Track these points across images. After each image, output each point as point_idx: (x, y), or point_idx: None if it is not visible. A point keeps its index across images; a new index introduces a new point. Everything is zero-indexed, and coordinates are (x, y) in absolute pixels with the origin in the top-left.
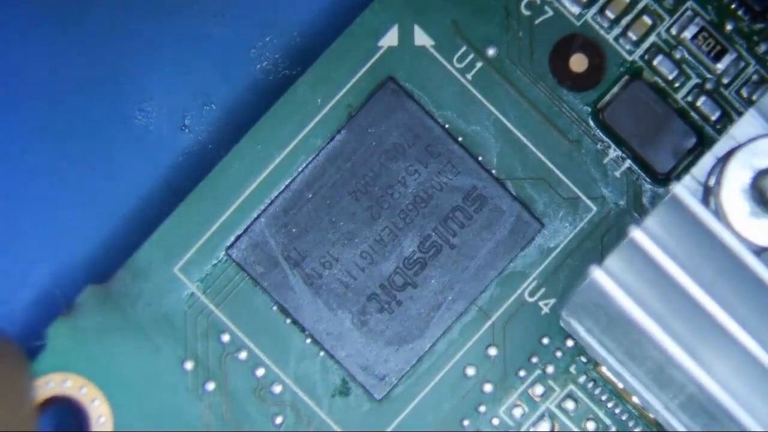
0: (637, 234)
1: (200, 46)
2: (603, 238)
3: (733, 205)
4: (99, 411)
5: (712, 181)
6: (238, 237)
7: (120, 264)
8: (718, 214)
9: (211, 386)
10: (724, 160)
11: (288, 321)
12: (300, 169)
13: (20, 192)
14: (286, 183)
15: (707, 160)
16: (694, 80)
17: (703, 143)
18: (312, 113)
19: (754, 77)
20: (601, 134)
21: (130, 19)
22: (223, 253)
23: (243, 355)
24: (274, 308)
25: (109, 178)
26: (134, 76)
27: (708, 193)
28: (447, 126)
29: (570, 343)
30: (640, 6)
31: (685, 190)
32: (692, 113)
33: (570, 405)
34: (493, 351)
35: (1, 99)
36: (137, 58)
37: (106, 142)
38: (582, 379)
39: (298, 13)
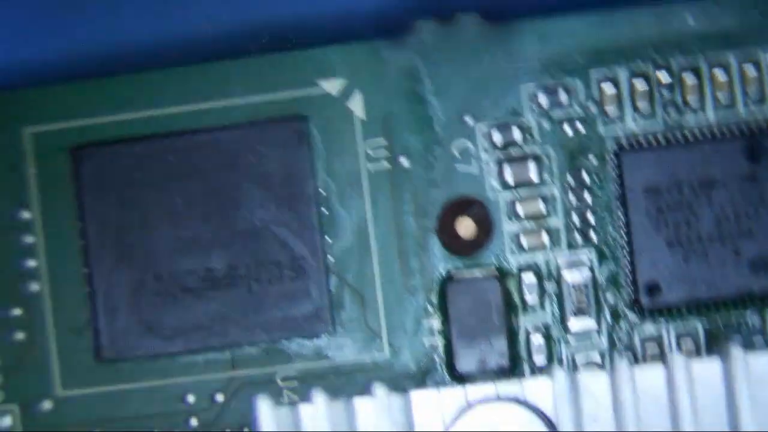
0: None
1: (199, 47)
2: None
3: None
4: None
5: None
6: None
7: None
8: None
9: None
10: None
11: None
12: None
13: None
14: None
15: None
16: (549, 320)
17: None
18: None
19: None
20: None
21: (127, 20)
22: None
23: None
24: None
25: None
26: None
27: None
28: (322, 192)
29: None
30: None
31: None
32: (522, 346)
33: None
34: None
35: None
36: (136, 58)
37: None
38: None
39: (296, 14)
